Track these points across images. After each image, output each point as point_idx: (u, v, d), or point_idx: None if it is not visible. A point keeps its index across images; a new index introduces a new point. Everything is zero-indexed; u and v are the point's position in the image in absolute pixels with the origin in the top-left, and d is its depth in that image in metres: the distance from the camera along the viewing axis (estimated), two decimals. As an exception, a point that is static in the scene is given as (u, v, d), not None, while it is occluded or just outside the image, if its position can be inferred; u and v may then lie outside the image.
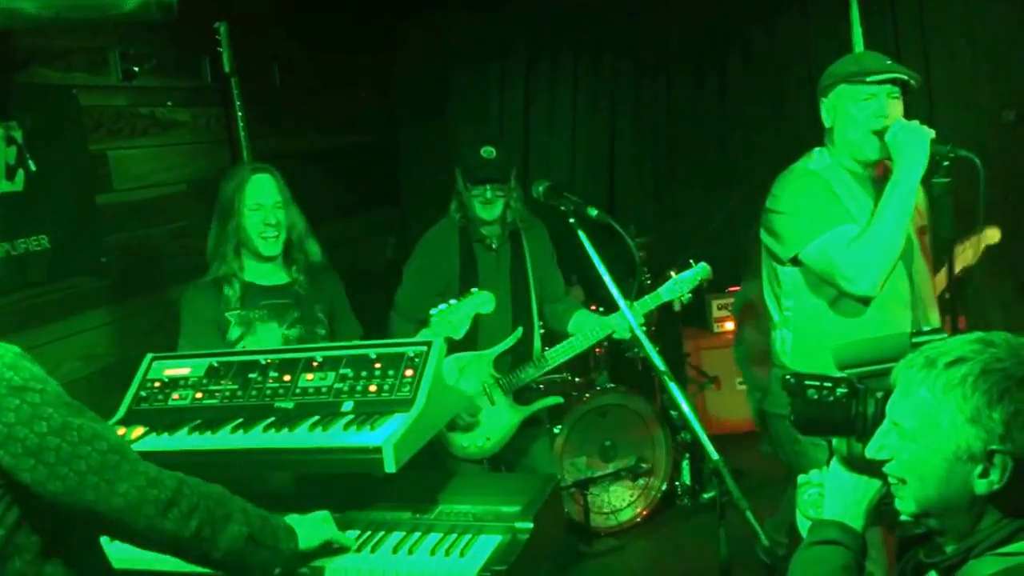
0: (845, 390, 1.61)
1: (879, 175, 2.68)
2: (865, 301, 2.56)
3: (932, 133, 2.48)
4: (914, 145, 2.46)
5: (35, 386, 1.55)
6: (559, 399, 3.56)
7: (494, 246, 3.35)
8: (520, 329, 3.29)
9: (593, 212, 2.40)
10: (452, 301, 2.88)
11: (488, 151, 3.24)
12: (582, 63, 5.54)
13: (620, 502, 4.45)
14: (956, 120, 4.74)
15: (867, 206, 2.62)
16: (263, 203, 2.82)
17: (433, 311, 2.85)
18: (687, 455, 4.63)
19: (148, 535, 1.63)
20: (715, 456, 2.09)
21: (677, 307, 4.81)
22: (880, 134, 2.55)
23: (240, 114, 3.62)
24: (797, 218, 2.62)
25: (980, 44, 4.99)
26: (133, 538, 1.65)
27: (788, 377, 1.66)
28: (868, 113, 2.58)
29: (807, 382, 1.63)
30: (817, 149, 2.76)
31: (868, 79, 2.58)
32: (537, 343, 3.46)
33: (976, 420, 1.39)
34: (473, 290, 2.93)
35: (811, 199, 2.62)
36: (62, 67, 2.91)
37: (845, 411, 1.60)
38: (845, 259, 2.50)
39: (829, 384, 1.62)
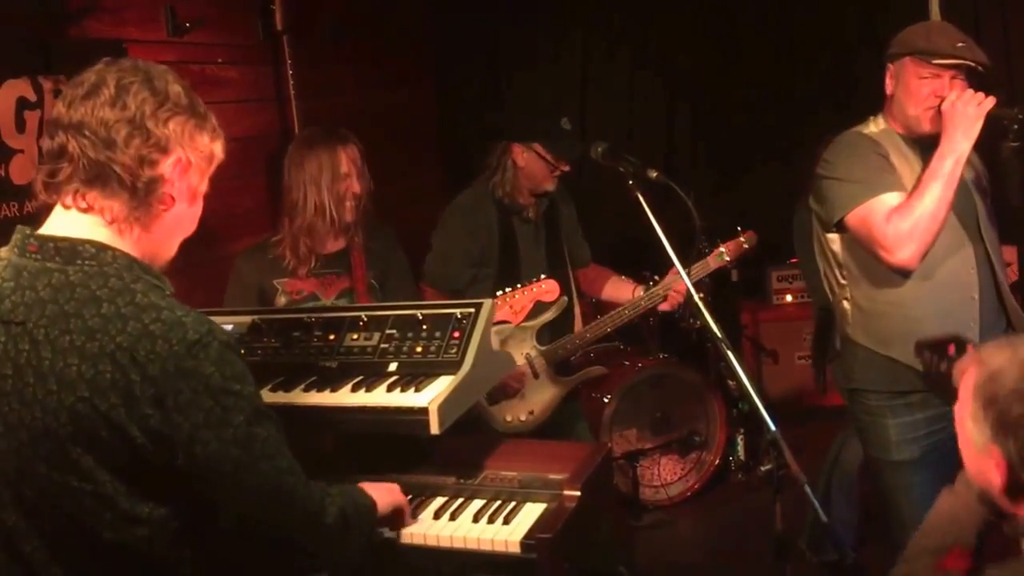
0: None
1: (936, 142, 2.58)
2: (904, 272, 2.50)
3: (992, 101, 2.38)
4: (967, 116, 2.38)
5: (233, 387, 1.44)
6: (601, 369, 3.47)
7: (532, 216, 3.26)
8: (564, 299, 3.19)
9: (653, 174, 2.38)
10: (518, 285, 2.82)
11: (566, 123, 3.15)
12: (640, 23, 5.37)
13: (670, 476, 4.36)
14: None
15: (920, 172, 2.55)
16: (350, 173, 2.81)
17: (499, 292, 2.82)
18: (741, 429, 4.52)
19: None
20: (773, 427, 2.03)
21: (735, 277, 4.69)
22: (935, 109, 2.48)
23: (291, 72, 3.57)
24: (845, 182, 2.56)
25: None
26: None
27: None
28: (926, 92, 2.50)
29: None
30: (873, 116, 2.69)
31: (934, 60, 2.48)
32: (576, 314, 3.37)
33: None
34: (541, 276, 2.86)
35: (861, 164, 2.56)
36: (113, 22, 2.88)
37: None
38: (883, 230, 2.45)
39: None
